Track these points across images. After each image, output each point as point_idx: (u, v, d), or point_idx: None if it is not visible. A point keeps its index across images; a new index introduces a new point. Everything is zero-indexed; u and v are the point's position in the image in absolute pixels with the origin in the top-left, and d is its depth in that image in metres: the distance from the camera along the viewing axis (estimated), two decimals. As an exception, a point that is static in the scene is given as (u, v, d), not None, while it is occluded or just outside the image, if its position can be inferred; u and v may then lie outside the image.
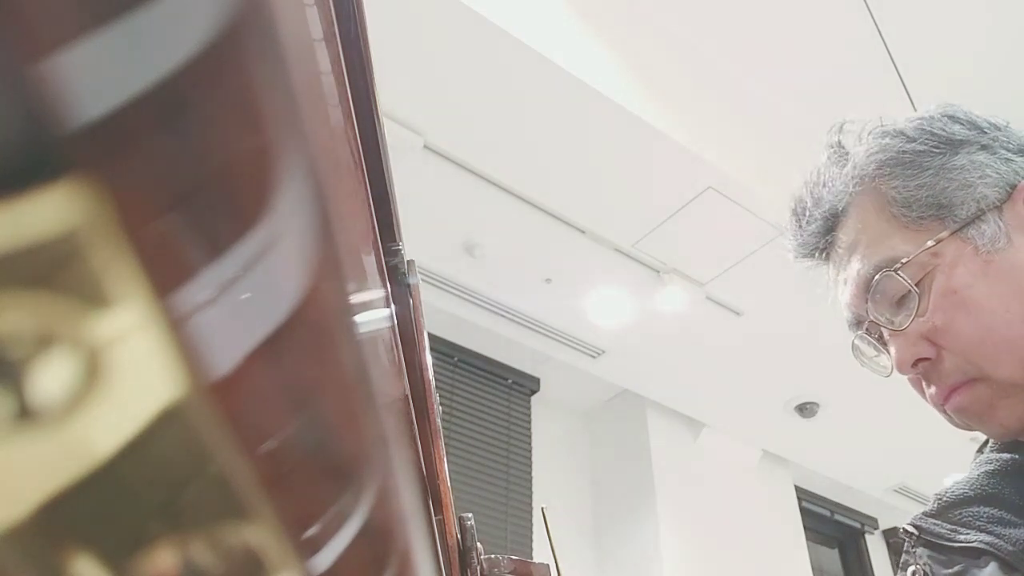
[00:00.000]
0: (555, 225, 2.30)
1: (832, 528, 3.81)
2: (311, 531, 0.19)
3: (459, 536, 0.51)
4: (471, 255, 2.39)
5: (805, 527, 3.34)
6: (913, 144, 0.55)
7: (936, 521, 0.55)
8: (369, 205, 0.30)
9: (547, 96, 1.97)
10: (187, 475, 0.14)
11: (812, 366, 2.79)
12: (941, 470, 3.37)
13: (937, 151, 0.54)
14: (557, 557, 0.60)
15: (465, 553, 0.51)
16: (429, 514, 0.42)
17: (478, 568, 0.53)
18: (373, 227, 0.32)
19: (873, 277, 0.54)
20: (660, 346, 2.75)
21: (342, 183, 0.21)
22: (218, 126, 0.12)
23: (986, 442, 0.59)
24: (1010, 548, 0.49)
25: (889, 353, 0.56)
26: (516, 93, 1.96)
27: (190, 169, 0.12)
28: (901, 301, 0.53)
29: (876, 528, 3.94)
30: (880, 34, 2.00)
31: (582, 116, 2.02)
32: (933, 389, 0.54)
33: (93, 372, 0.12)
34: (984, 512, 0.53)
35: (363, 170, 0.29)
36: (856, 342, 0.59)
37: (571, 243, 2.36)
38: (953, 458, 1.94)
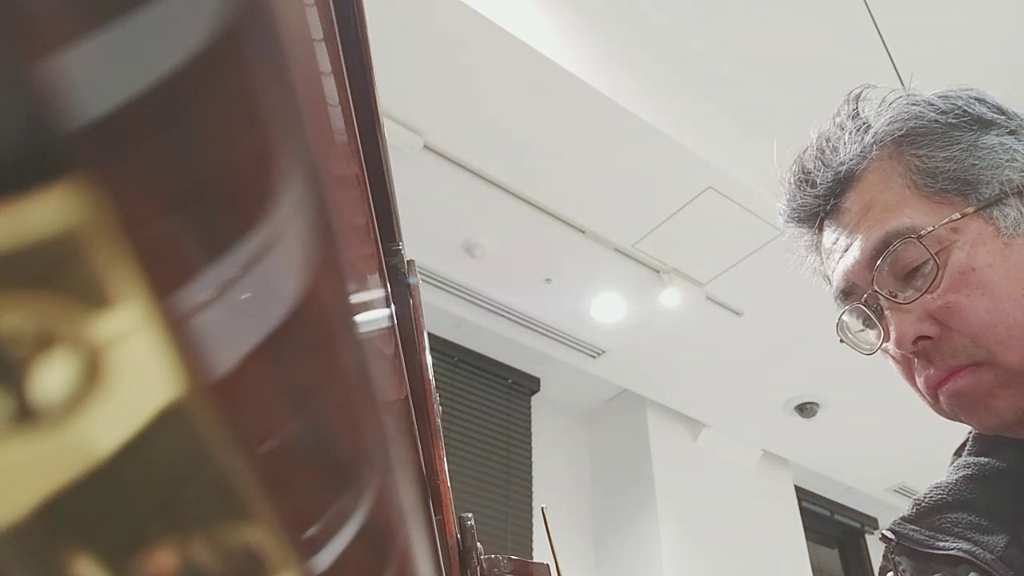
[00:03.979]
0: (555, 225, 2.30)
1: (832, 528, 3.81)
2: (311, 531, 0.19)
3: (459, 536, 0.51)
4: (471, 255, 2.39)
5: (805, 527, 3.34)
6: (945, 116, 0.54)
7: (914, 527, 0.54)
8: (369, 205, 0.30)
9: (547, 96, 1.97)
10: (187, 475, 0.14)
11: (812, 366, 2.79)
12: (941, 470, 3.36)
13: (968, 127, 0.53)
14: (557, 557, 0.60)
15: (465, 553, 0.51)
16: (429, 514, 0.42)
17: (478, 568, 0.53)
18: (373, 227, 0.32)
19: (888, 245, 0.51)
20: (660, 346, 2.76)
21: (342, 183, 0.21)
22: (218, 126, 0.12)
23: (962, 445, 0.59)
24: (988, 556, 0.48)
25: (881, 328, 0.53)
26: (516, 93, 1.97)
27: (190, 169, 0.12)
28: (910, 274, 0.51)
29: (876, 528, 3.93)
30: (880, 35, 1.99)
31: (582, 116, 2.02)
32: (931, 371, 0.51)
33: (93, 372, 0.12)
34: (962, 518, 0.52)
35: (363, 170, 0.29)
36: (843, 317, 0.57)
37: (571, 243, 2.36)
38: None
